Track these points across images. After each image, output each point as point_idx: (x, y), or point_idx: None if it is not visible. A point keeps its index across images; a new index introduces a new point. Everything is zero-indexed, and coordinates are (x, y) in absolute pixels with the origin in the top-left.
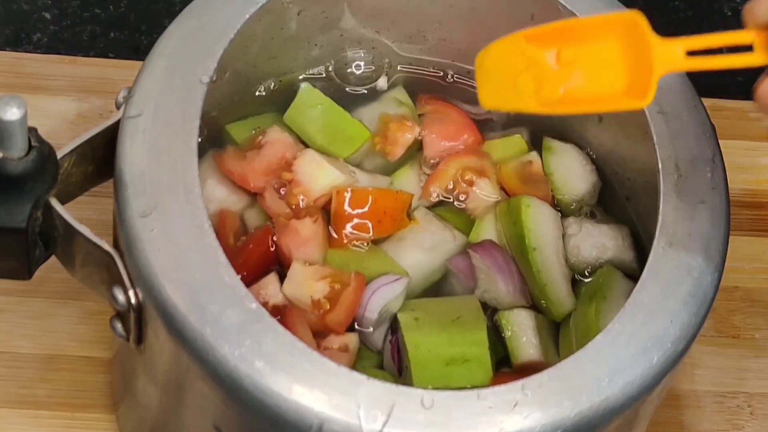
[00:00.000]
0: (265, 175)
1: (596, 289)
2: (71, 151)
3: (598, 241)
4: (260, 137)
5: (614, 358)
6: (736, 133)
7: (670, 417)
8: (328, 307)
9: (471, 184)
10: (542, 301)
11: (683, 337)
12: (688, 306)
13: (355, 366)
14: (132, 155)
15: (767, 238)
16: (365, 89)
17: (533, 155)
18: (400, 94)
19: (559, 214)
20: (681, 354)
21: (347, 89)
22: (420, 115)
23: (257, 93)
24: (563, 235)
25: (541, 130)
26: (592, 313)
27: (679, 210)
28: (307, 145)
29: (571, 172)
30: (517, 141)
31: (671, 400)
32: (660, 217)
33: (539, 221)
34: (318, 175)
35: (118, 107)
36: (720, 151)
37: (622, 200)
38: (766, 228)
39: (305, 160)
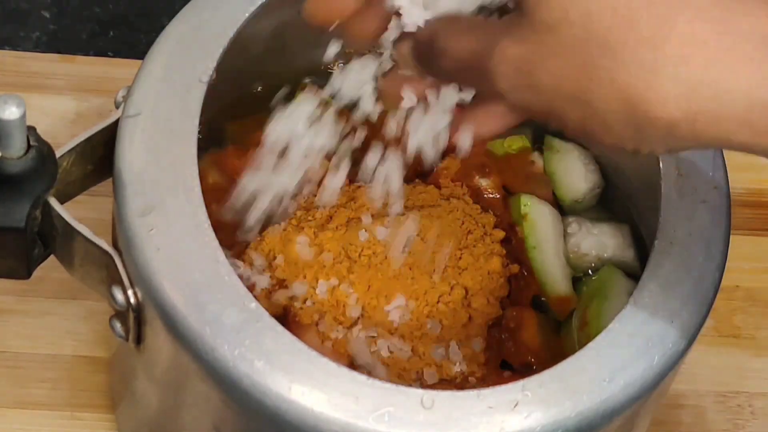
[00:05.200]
0: None
1: (597, 289)
2: (70, 151)
3: (598, 240)
4: (260, 135)
5: (614, 358)
6: None
7: (670, 417)
8: None
9: (473, 182)
10: (543, 299)
11: (684, 337)
12: (689, 305)
13: None
14: (131, 154)
15: None
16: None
17: (535, 156)
18: None
19: (560, 213)
20: (681, 354)
21: None
22: None
23: (257, 92)
24: (564, 234)
25: (543, 129)
26: (592, 313)
27: (679, 209)
28: None
29: (573, 171)
30: (520, 141)
31: (671, 400)
32: (660, 217)
33: (539, 220)
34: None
35: (117, 106)
36: (720, 150)
37: (624, 199)
38: (766, 227)
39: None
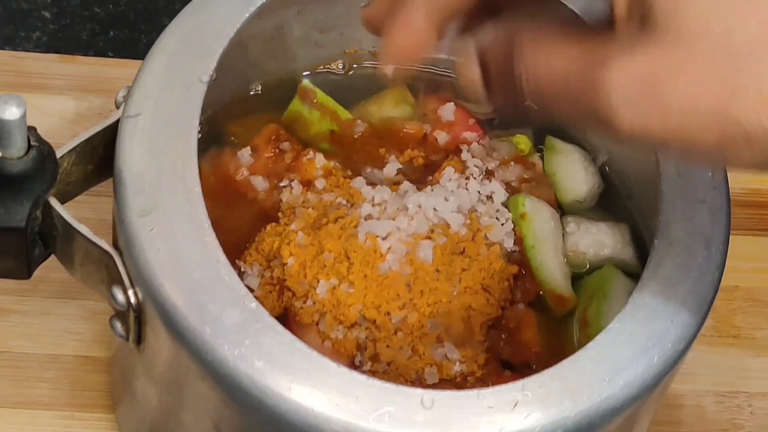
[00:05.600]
0: (266, 177)
1: (597, 288)
2: (70, 151)
3: (596, 239)
4: (260, 136)
5: (614, 358)
6: None
7: (670, 417)
8: None
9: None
10: (543, 298)
11: (683, 337)
12: (689, 305)
13: None
14: (131, 154)
15: None
16: (366, 88)
17: (536, 158)
18: (403, 92)
19: (559, 213)
20: (681, 354)
21: (348, 88)
22: (423, 115)
23: (257, 92)
24: (562, 233)
25: (543, 129)
26: (592, 312)
27: (679, 209)
28: (306, 145)
29: (573, 173)
30: (521, 141)
31: (671, 400)
32: (660, 217)
33: (537, 219)
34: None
35: (117, 106)
36: None
37: (623, 199)
38: (766, 227)
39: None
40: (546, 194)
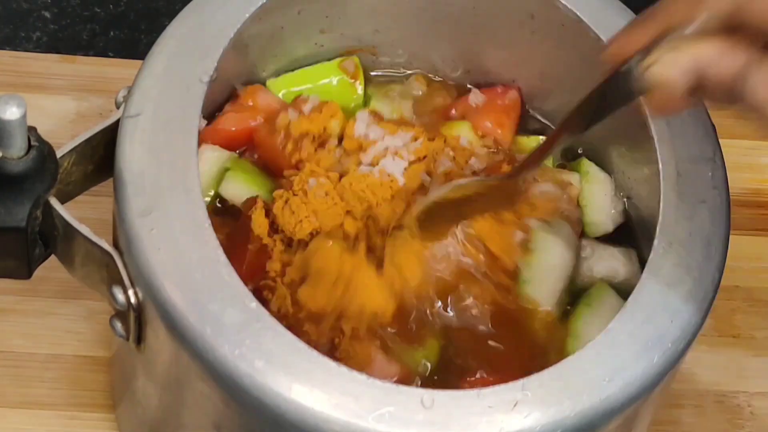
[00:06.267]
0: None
1: (584, 298)
2: (71, 151)
3: (609, 265)
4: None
5: (614, 358)
6: (736, 133)
7: (670, 417)
8: None
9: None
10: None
11: (683, 337)
12: (689, 305)
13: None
14: (132, 154)
15: None
16: (366, 88)
17: (575, 178)
18: (417, 83)
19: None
20: (681, 353)
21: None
22: (423, 116)
23: None
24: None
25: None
26: (574, 318)
27: (679, 209)
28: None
29: (600, 206)
30: (536, 141)
31: (671, 399)
32: (660, 217)
33: (544, 255)
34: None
35: (117, 106)
36: (720, 150)
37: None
38: (766, 227)
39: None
40: (576, 227)
